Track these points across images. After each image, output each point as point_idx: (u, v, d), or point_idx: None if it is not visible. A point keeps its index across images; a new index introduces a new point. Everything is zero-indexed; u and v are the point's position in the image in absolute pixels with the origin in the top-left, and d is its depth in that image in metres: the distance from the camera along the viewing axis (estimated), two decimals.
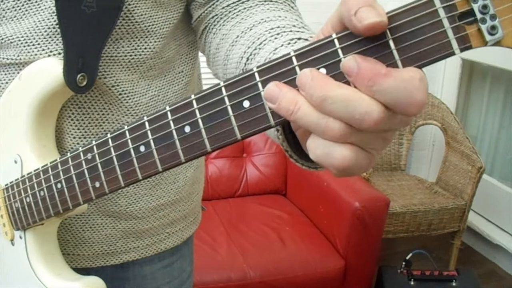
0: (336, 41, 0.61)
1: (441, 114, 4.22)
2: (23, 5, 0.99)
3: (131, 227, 1.23)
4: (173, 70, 1.19)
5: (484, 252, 4.55)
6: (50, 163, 0.97)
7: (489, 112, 4.72)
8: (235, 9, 1.06)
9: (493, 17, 0.54)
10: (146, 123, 0.77)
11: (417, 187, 4.26)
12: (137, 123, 0.78)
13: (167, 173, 1.24)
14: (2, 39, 1.01)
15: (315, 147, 0.63)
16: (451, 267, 4.04)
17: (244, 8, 1.05)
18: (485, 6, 0.54)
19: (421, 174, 4.78)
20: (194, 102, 0.71)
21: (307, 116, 0.61)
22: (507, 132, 4.56)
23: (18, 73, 1.03)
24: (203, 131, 0.71)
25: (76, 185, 0.92)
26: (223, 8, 1.08)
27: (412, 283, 3.48)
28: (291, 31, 0.89)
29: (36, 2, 0.99)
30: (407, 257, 3.65)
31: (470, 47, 0.56)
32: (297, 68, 0.63)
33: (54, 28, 1.00)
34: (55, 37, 1.00)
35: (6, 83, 1.06)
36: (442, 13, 0.55)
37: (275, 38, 0.88)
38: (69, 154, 0.93)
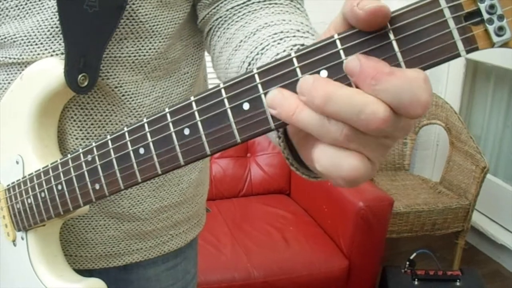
0: (338, 42, 0.59)
1: (445, 114, 4.21)
2: (26, 4, 0.99)
3: (134, 229, 1.22)
4: (178, 71, 1.18)
5: (488, 252, 4.54)
6: (51, 164, 0.97)
7: (493, 112, 4.71)
8: (239, 11, 1.05)
9: (500, 18, 0.52)
10: (146, 125, 0.76)
11: (421, 187, 4.25)
12: (137, 124, 0.78)
13: (171, 175, 1.24)
14: (5, 38, 1.01)
15: (322, 158, 0.61)
16: (455, 267, 4.04)
17: (249, 12, 1.04)
18: (492, 6, 0.52)
19: (425, 173, 4.77)
20: (193, 103, 0.70)
21: (309, 118, 0.60)
22: (511, 132, 4.55)
23: (20, 72, 1.03)
24: (202, 133, 0.70)
25: (76, 187, 0.92)
26: (227, 10, 1.07)
27: (416, 283, 3.48)
28: (294, 36, 0.88)
29: (39, 1, 0.98)
30: (411, 257, 3.66)
31: (476, 49, 0.54)
32: (297, 70, 0.62)
33: (57, 27, 0.99)
34: (58, 36, 1.00)
35: (9, 83, 1.05)
36: (447, 13, 0.54)
37: (278, 43, 0.87)
38: (69, 156, 0.92)
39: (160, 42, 1.09)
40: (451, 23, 0.54)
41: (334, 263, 3.39)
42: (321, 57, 0.61)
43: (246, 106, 0.66)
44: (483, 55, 4.26)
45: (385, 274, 3.57)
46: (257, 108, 0.65)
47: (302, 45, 0.84)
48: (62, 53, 1.00)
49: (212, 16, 1.10)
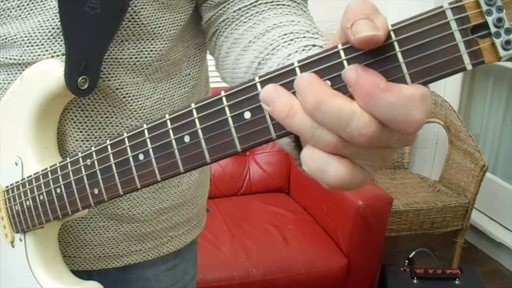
0: (341, 52, 0.59)
1: (444, 112, 4.22)
2: (28, 5, 0.98)
3: (134, 230, 1.22)
4: (179, 73, 1.18)
5: (487, 251, 4.55)
6: (50, 167, 0.96)
7: (492, 110, 4.72)
8: (247, 13, 1.04)
9: (508, 31, 0.51)
10: (146, 131, 0.76)
11: (420, 185, 4.26)
12: (137, 130, 0.77)
13: None
14: (6, 38, 1.00)
15: (310, 160, 0.61)
16: (454, 265, 4.05)
17: (256, 12, 1.03)
18: (500, 19, 0.51)
19: (424, 172, 4.78)
20: (194, 111, 0.70)
21: (301, 123, 0.60)
22: (510, 130, 4.56)
23: (20, 73, 1.02)
24: (202, 141, 0.70)
25: (75, 190, 0.91)
26: (234, 11, 1.06)
27: (415, 281, 3.48)
28: (304, 37, 0.88)
29: (41, 1, 0.98)
30: (410, 255, 3.67)
31: (482, 62, 0.53)
32: None
33: (58, 28, 0.98)
34: (59, 37, 0.99)
35: (9, 83, 1.05)
36: (454, 25, 0.53)
37: (289, 44, 0.87)
38: (68, 159, 0.92)
39: (161, 44, 1.08)
40: (458, 35, 0.53)
41: (333, 262, 3.39)
42: (324, 67, 0.60)
43: (247, 115, 0.65)
44: None
45: (384, 272, 3.58)
46: (258, 117, 0.65)
47: (314, 45, 0.83)
48: (62, 54, 0.99)
49: (219, 17, 1.09)
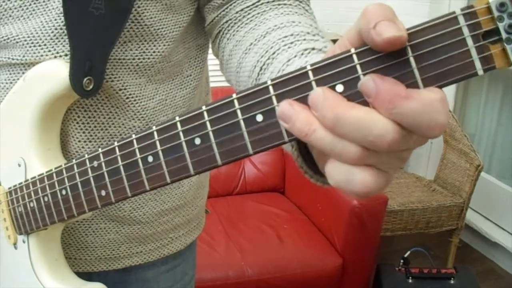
0: (354, 56, 0.59)
1: None
2: (30, 5, 0.98)
3: (135, 232, 1.22)
4: (181, 74, 1.18)
5: (482, 250, 4.56)
6: (55, 168, 0.96)
7: (487, 110, 4.73)
8: (249, 13, 1.04)
9: None
10: (155, 133, 0.75)
11: (415, 185, 4.26)
12: (145, 132, 0.76)
13: None
14: (8, 38, 1.00)
15: (334, 173, 0.61)
16: (449, 265, 4.05)
17: (258, 13, 1.03)
18: (511, 26, 0.52)
19: (419, 172, 4.78)
20: (205, 113, 0.69)
21: (322, 139, 0.59)
22: (505, 130, 4.57)
23: (23, 74, 1.02)
24: (214, 144, 0.69)
25: (81, 193, 0.91)
26: (236, 12, 1.06)
27: (410, 281, 3.48)
28: (304, 39, 0.88)
29: (43, 1, 0.98)
30: (405, 255, 3.67)
31: (493, 68, 0.53)
32: (313, 83, 0.61)
33: (61, 29, 0.98)
34: (62, 38, 0.99)
35: (11, 83, 1.05)
36: (466, 31, 0.53)
37: (289, 47, 0.87)
38: (74, 161, 0.91)
39: (164, 45, 1.09)
40: (470, 41, 0.53)
41: (328, 261, 3.40)
42: (337, 71, 0.60)
43: (259, 117, 0.65)
44: None
45: (379, 272, 3.58)
46: (271, 120, 0.64)
47: (313, 48, 0.83)
48: (65, 55, 0.99)
49: (222, 18, 1.09)
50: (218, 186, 4.07)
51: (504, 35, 0.52)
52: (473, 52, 0.53)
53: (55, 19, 0.98)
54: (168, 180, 0.76)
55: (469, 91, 4.91)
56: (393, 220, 3.82)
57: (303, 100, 0.61)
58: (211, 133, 0.69)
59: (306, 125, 0.60)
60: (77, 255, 1.20)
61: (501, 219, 4.42)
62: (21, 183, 1.04)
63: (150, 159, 0.77)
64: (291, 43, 0.88)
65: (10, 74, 1.04)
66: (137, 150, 0.78)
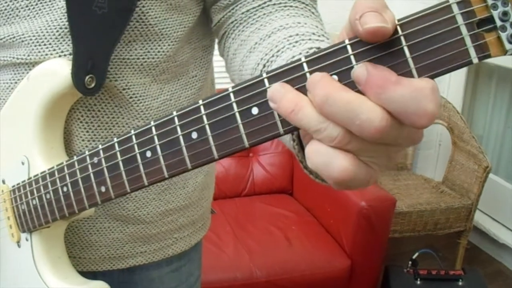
0: (348, 47, 0.59)
1: (447, 113, 4.21)
2: (36, 4, 0.99)
3: (139, 232, 1.22)
4: (186, 74, 1.18)
5: (490, 252, 4.55)
6: (57, 166, 0.97)
7: (495, 112, 4.71)
8: (254, 14, 1.05)
9: None
10: (153, 128, 0.76)
11: (424, 187, 4.25)
12: (144, 127, 0.77)
13: (177, 178, 1.23)
14: (14, 37, 1.01)
15: (314, 155, 0.61)
16: (457, 266, 4.05)
17: (264, 14, 1.03)
18: (505, 13, 0.52)
19: (427, 173, 4.77)
20: (201, 107, 0.70)
21: (307, 118, 0.60)
22: None
23: (27, 73, 1.03)
24: (210, 137, 0.70)
25: (82, 189, 0.91)
26: (242, 13, 1.06)
27: (418, 282, 3.47)
28: (310, 39, 0.88)
29: (49, 1, 0.98)
30: (414, 257, 3.66)
31: (488, 56, 0.53)
32: (307, 75, 0.61)
33: (66, 28, 0.99)
34: (67, 37, 0.99)
35: (16, 82, 1.05)
36: (460, 19, 0.53)
37: (293, 46, 0.87)
38: (75, 158, 0.92)
39: (169, 45, 1.09)
40: (464, 29, 0.53)
41: (337, 263, 3.39)
42: (331, 62, 0.60)
43: (255, 110, 0.65)
44: None
45: (388, 273, 3.57)
46: (266, 112, 0.65)
47: (318, 48, 0.83)
48: (70, 54, 1.00)
49: (228, 19, 1.09)
50: (227, 188, 4.08)
51: (498, 23, 0.52)
52: (468, 40, 0.53)
53: (60, 19, 0.99)
54: (166, 174, 0.77)
55: (477, 93, 4.90)
56: (402, 222, 3.81)
57: (299, 91, 0.62)
58: (207, 127, 0.70)
59: (293, 102, 0.61)
60: (81, 254, 1.20)
61: (510, 221, 4.40)
62: (24, 181, 1.05)
63: (149, 154, 0.78)
64: (296, 42, 0.88)
65: (15, 74, 1.05)
66: (135, 146, 0.79)
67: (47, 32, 0.99)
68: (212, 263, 3.21)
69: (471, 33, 0.53)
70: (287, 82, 0.63)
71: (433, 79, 0.56)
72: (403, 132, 0.58)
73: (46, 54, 1.00)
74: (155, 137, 0.76)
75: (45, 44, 1.00)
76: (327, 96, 0.58)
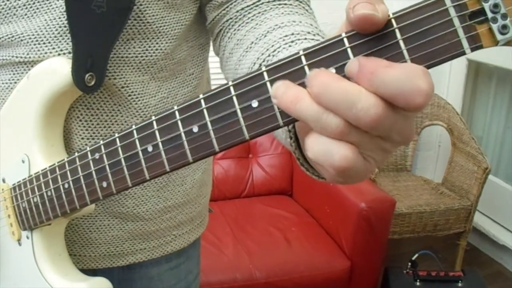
0: (345, 40, 0.60)
1: (447, 114, 4.22)
2: (34, 3, 0.99)
3: (138, 229, 1.23)
4: (184, 72, 1.19)
5: (490, 253, 4.54)
6: (58, 163, 0.97)
7: (495, 113, 4.71)
8: (249, 12, 1.06)
9: (504, 16, 0.53)
10: (154, 123, 0.76)
11: (423, 188, 4.26)
12: (145, 122, 0.78)
13: (175, 175, 1.24)
14: (13, 36, 1.01)
15: (314, 144, 0.62)
16: (457, 267, 4.05)
17: (259, 13, 1.04)
18: (496, 5, 0.53)
19: (427, 174, 4.77)
20: (202, 101, 0.71)
21: (307, 109, 0.60)
22: None
23: (27, 72, 1.03)
24: (211, 131, 0.70)
25: (83, 185, 0.92)
26: (237, 11, 1.07)
27: (418, 283, 3.48)
28: (305, 38, 0.89)
29: (47, 0, 0.99)
30: (413, 258, 3.66)
31: (481, 47, 0.55)
32: (306, 68, 0.63)
33: (65, 27, 0.99)
34: (66, 36, 1.00)
35: (15, 82, 1.06)
36: (452, 12, 0.55)
37: (289, 46, 0.87)
38: (76, 154, 0.92)
39: (166, 43, 1.10)
40: (456, 22, 0.55)
41: (336, 264, 3.39)
42: (329, 55, 0.61)
43: (255, 103, 0.66)
44: (485, 56, 4.26)
45: (387, 275, 3.58)
46: (265, 105, 0.66)
47: None
48: (69, 52, 1.00)
49: (222, 17, 1.10)
50: (226, 189, 4.08)
51: (489, 15, 0.54)
52: (460, 32, 0.55)
53: (59, 17, 0.99)
54: (167, 168, 0.77)
55: (477, 94, 4.90)
56: (401, 223, 3.81)
57: (298, 84, 0.63)
58: (208, 120, 0.70)
59: (293, 96, 0.62)
60: (81, 252, 1.21)
61: (509, 222, 4.40)
62: (24, 179, 1.05)
63: (150, 148, 0.78)
64: (292, 41, 0.89)
65: (14, 74, 1.06)
66: (137, 141, 0.80)
67: (46, 31, 1.00)
68: (212, 264, 3.21)
69: (464, 25, 0.55)
70: (285, 75, 0.64)
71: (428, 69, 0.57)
72: (397, 123, 0.59)
73: (46, 53, 1.01)
74: (156, 132, 0.76)
75: (44, 43, 1.01)
76: (324, 86, 0.58)
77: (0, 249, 1.15)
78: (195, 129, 0.72)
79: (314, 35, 0.91)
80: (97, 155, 0.88)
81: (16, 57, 1.03)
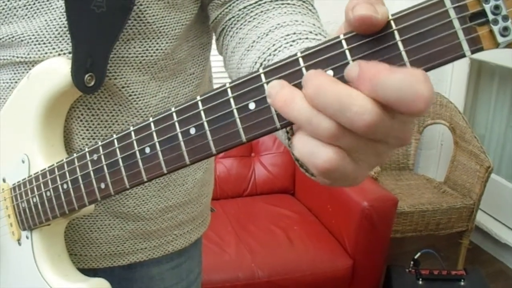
0: (343, 42, 0.60)
1: (449, 113, 4.22)
2: (34, 4, 0.99)
3: (139, 228, 1.23)
4: (184, 72, 1.19)
5: (492, 252, 4.54)
6: (57, 163, 0.97)
7: (497, 111, 4.71)
8: (251, 11, 1.05)
9: (505, 18, 0.53)
10: (152, 124, 0.76)
11: (426, 187, 4.25)
12: (143, 124, 0.78)
13: (176, 175, 1.24)
14: (13, 37, 1.01)
15: (301, 144, 0.61)
16: (459, 266, 4.04)
17: (261, 12, 1.04)
18: (497, 7, 0.53)
19: (429, 173, 4.77)
20: (199, 103, 0.71)
21: (299, 111, 0.60)
22: None
23: (27, 72, 1.03)
24: (208, 133, 0.70)
25: (81, 186, 0.92)
26: (239, 10, 1.06)
27: (420, 282, 3.47)
28: (307, 38, 0.88)
29: (47, 0, 0.99)
30: (415, 257, 3.66)
31: (481, 49, 0.54)
32: (303, 70, 0.62)
33: (65, 27, 0.99)
34: (66, 36, 1.00)
35: (16, 82, 1.06)
36: (452, 13, 0.54)
37: (291, 45, 0.87)
38: (75, 155, 0.92)
39: (167, 43, 1.09)
40: (456, 23, 0.54)
41: (339, 263, 3.39)
42: (326, 57, 0.61)
43: (252, 105, 0.66)
44: (487, 55, 4.25)
45: (390, 273, 3.57)
46: (263, 107, 0.65)
47: None
48: (69, 53, 1.00)
49: (225, 16, 1.10)
50: (228, 188, 4.08)
51: (490, 17, 0.53)
52: (460, 34, 0.54)
53: (59, 18, 0.99)
54: (165, 170, 0.77)
55: (479, 93, 4.90)
56: (403, 222, 3.81)
57: (295, 86, 0.62)
58: (205, 122, 0.70)
59: (286, 95, 0.61)
60: (82, 252, 1.21)
61: (511, 220, 4.40)
62: (24, 179, 1.05)
63: (147, 150, 0.78)
64: (293, 41, 0.88)
65: (14, 73, 1.05)
66: (134, 142, 0.80)
67: (46, 31, 1.00)
68: (214, 263, 3.21)
69: (464, 26, 0.54)
70: (283, 77, 0.64)
71: (427, 72, 0.56)
72: (394, 128, 0.58)
73: (46, 53, 1.01)
74: (154, 133, 0.76)
75: (44, 43, 1.00)
76: (318, 88, 0.58)
77: (0, 248, 1.15)
78: (192, 130, 0.72)
79: (316, 34, 0.90)
80: (95, 156, 0.88)
81: (17, 57, 1.03)
